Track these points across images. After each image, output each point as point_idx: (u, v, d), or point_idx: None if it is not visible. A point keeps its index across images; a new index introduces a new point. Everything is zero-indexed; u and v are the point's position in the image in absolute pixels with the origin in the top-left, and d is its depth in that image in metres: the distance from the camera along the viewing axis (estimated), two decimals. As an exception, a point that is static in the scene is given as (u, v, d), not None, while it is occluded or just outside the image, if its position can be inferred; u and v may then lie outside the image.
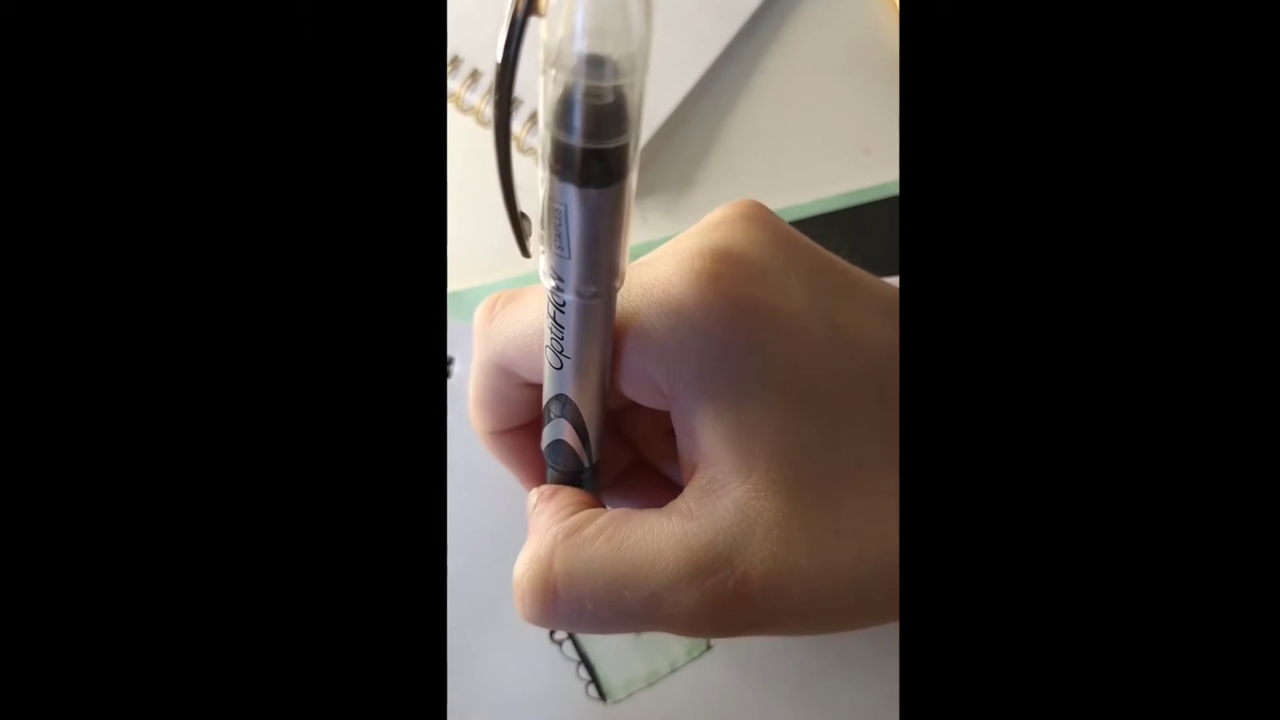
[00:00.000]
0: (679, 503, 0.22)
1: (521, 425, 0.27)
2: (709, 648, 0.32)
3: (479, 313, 0.25)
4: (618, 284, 0.20)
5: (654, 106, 0.40)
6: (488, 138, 0.40)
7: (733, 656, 0.32)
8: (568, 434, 0.24)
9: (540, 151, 0.18)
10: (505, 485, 0.33)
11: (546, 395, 0.23)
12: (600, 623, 0.22)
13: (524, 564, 0.23)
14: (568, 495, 0.24)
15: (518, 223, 0.20)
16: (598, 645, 0.32)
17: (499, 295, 0.25)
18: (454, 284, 0.40)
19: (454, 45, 0.41)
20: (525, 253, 0.20)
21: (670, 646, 0.32)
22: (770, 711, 0.31)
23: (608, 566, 0.21)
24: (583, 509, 0.23)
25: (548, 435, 0.24)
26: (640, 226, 0.42)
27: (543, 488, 0.25)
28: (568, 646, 0.32)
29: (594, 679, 0.32)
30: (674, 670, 0.32)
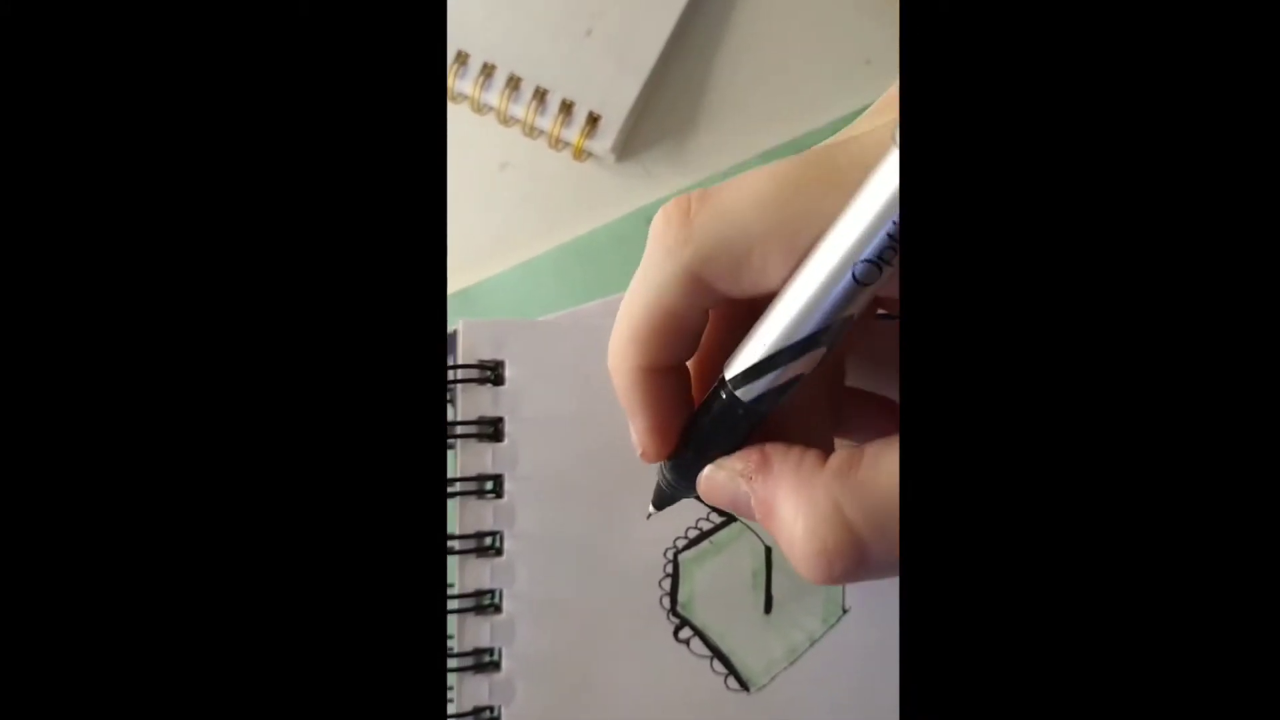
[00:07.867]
0: None
1: (676, 365, 0.22)
2: (845, 611, 0.30)
3: (666, 217, 0.20)
4: None
5: (638, 51, 0.37)
6: (485, 123, 0.36)
7: (871, 618, 0.30)
8: (808, 368, 0.19)
9: None
10: (595, 503, 0.31)
11: (810, 325, 0.18)
12: None
13: (811, 529, 0.18)
14: (784, 448, 0.20)
15: None
16: (728, 634, 0.30)
17: (687, 197, 0.19)
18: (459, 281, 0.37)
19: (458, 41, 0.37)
20: None
21: (804, 619, 0.30)
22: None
23: None
24: (807, 452, 0.20)
25: (786, 374, 0.19)
26: (645, 181, 0.39)
27: (748, 456, 0.20)
28: (696, 643, 0.30)
29: (731, 670, 0.30)
30: (813, 643, 0.30)
